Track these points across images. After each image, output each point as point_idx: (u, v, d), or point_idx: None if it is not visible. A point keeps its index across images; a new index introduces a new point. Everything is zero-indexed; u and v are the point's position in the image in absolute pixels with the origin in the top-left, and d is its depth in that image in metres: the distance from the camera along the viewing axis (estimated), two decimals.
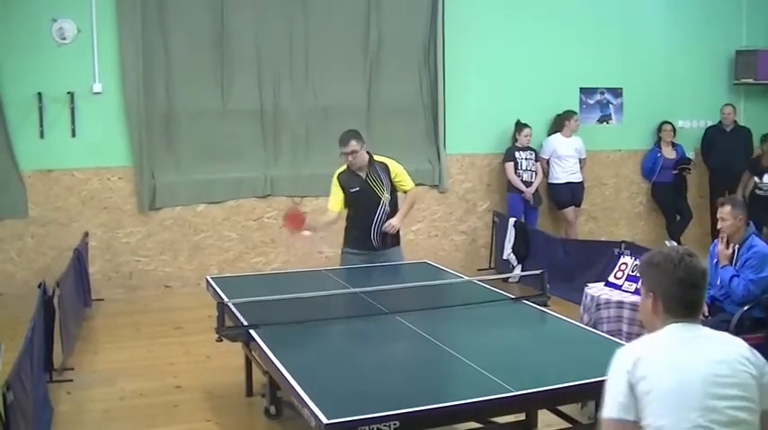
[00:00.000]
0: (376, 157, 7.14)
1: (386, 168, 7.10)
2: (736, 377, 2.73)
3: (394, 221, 6.99)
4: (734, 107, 11.74)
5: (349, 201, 7.06)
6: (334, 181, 7.10)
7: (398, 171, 7.17)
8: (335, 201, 7.09)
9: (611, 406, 2.73)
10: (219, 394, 6.32)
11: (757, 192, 10.70)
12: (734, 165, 10.97)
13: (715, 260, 6.38)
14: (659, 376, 2.69)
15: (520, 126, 10.58)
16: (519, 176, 10.48)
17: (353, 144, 6.93)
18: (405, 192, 7.23)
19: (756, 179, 10.76)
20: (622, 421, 2.70)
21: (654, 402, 2.67)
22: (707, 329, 2.95)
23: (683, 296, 2.87)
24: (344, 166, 7.10)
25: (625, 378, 2.73)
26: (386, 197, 7.01)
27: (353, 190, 7.00)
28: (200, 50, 9.67)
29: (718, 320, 6.04)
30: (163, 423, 5.77)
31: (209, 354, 6.98)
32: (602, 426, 2.77)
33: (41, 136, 9.12)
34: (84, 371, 6.85)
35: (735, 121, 11.74)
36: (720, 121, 11.76)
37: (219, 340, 5.26)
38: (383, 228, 6.97)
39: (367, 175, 7.01)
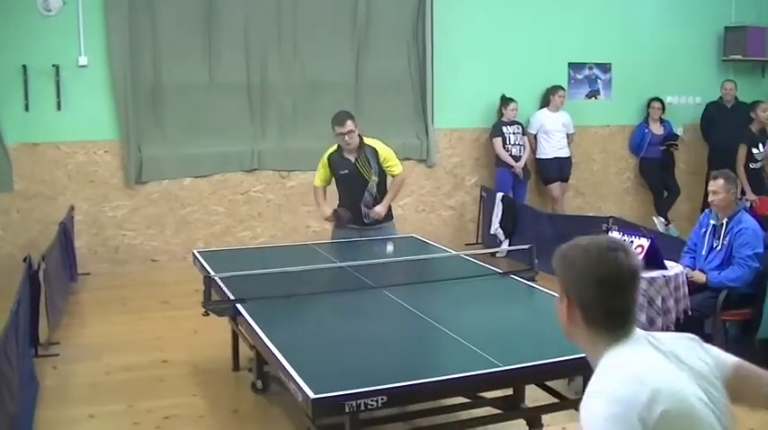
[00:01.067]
0: (366, 140, 7.11)
1: (375, 152, 7.07)
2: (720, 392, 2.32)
3: (378, 209, 7.03)
4: (735, 83, 11.69)
5: (337, 181, 7.14)
6: (324, 161, 7.13)
7: (387, 155, 7.14)
8: (322, 178, 7.20)
9: None
10: (206, 368, 6.31)
11: (751, 165, 10.63)
12: (734, 142, 10.92)
13: (703, 229, 6.39)
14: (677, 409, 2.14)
15: (506, 100, 10.54)
16: (507, 151, 10.46)
17: (350, 124, 6.90)
18: (393, 176, 7.23)
19: (755, 150, 10.66)
20: None
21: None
22: (658, 342, 2.32)
23: (604, 301, 2.24)
24: (335, 147, 7.10)
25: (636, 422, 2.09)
26: (374, 180, 7.03)
27: (342, 172, 7.04)
28: (188, 24, 9.59)
29: (705, 297, 6.07)
30: (149, 397, 5.76)
31: (195, 329, 6.96)
32: None
33: (26, 109, 9.04)
34: (70, 346, 6.83)
35: (735, 98, 11.69)
36: (721, 97, 11.71)
37: (206, 314, 5.25)
38: (370, 215, 7.03)
39: (356, 159, 7.00)
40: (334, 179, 7.17)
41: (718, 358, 2.46)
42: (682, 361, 2.29)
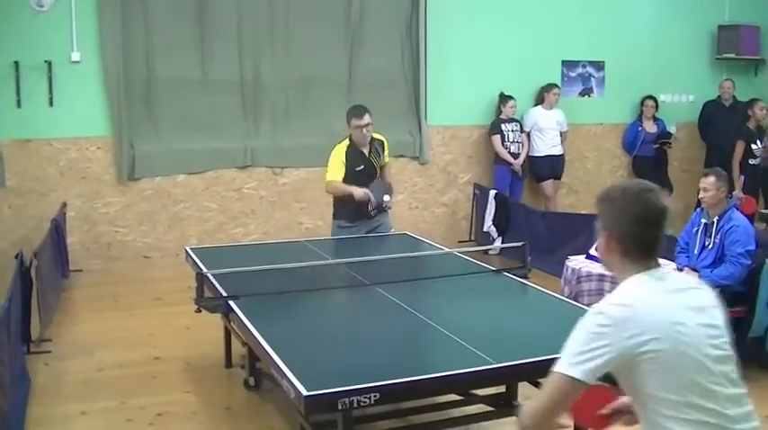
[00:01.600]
0: (374, 134, 7.16)
1: (382, 144, 7.19)
2: (723, 329, 2.61)
3: (387, 198, 7.06)
4: (733, 82, 11.72)
5: (350, 177, 7.00)
6: (340, 156, 7.01)
7: (387, 146, 7.28)
8: (337, 173, 7.01)
9: (580, 365, 2.47)
10: (198, 365, 6.30)
11: (750, 161, 10.64)
12: (733, 141, 10.93)
13: (695, 228, 6.39)
14: (658, 337, 2.43)
15: (504, 98, 10.54)
16: (506, 148, 10.46)
17: (368, 117, 6.95)
18: (384, 165, 7.29)
19: (753, 146, 10.66)
20: (581, 384, 2.49)
21: (657, 368, 2.43)
22: (675, 274, 2.82)
23: (639, 235, 2.61)
24: (347, 142, 7.08)
25: (611, 339, 2.44)
26: (378, 172, 7.12)
27: (358, 168, 7.01)
28: (181, 20, 9.56)
29: None
30: (142, 394, 5.75)
31: (188, 325, 6.95)
32: (552, 379, 2.52)
33: (18, 105, 9.00)
34: (63, 343, 6.81)
35: (733, 96, 11.71)
36: (719, 96, 11.74)
37: (199, 311, 5.24)
38: (383, 206, 7.03)
39: (369, 153, 7.07)
40: (346, 176, 7.02)
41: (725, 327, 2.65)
42: (695, 305, 2.59)
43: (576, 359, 2.49)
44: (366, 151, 7.05)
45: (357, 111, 7.01)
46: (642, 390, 2.51)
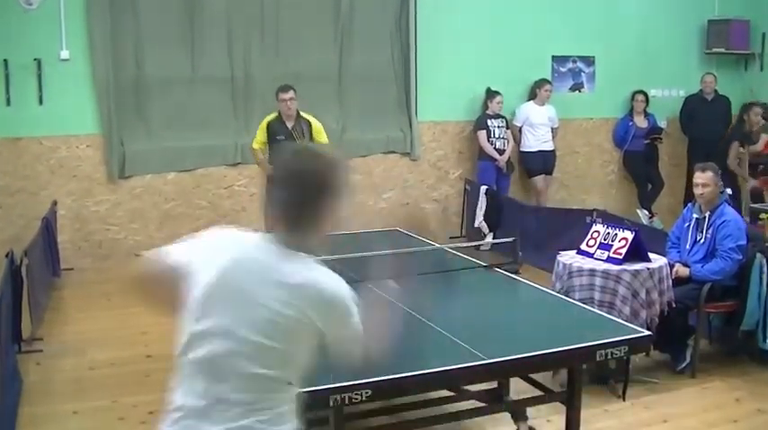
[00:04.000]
0: (302, 113, 8.46)
1: (309, 124, 8.41)
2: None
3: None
4: (715, 76, 11.77)
5: (272, 146, 8.28)
6: (264, 126, 8.45)
7: (319, 129, 8.50)
8: (260, 141, 8.48)
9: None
10: None
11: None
12: (714, 134, 10.96)
13: (687, 223, 6.40)
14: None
15: (491, 93, 10.55)
16: (492, 144, 10.45)
17: (292, 93, 8.38)
18: None
19: (741, 149, 10.69)
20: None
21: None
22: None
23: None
24: (275, 115, 8.44)
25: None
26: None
27: (279, 137, 8.25)
28: (170, 17, 9.54)
29: (689, 289, 6.08)
30: (134, 392, 5.73)
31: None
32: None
33: (8, 103, 8.97)
34: (54, 342, 6.79)
35: (715, 90, 11.76)
36: (701, 90, 11.78)
37: None
38: None
39: (293, 127, 8.34)
40: (268, 144, 8.38)
41: None
42: None
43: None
44: (290, 125, 8.35)
45: (284, 86, 8.46)
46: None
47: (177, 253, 2.57)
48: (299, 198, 2.46)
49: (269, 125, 8.44)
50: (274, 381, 2.44)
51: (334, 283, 2.51)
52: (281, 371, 2.44)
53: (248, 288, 2.41)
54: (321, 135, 8.52)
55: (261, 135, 8.51)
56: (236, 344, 2.40)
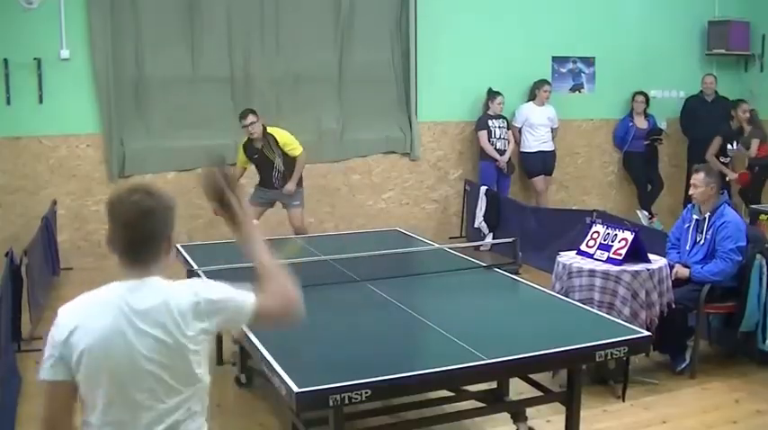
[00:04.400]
0: (268, 129, 8.76)
1: (275, 139, 8.73)
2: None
3: (288, 187, 8.80)
4: (715, 77, 11.78)
5: (252, 163, 8.86)
6: (240, 147, 8.85)
7: (286, 140, 8.79)
8: (241, 161, 8.85)
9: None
10: None
11: (720, 159, 10.65)
12: (714, 136, 10.97)
13: (686, 224, 6.40)
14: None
15: (492, 94, 10.54)
16: (492, 145, 10.46)
17: (251, 118, 8.65)
18: (294, 157, 8.79)
19: (728, 146, 10.68)
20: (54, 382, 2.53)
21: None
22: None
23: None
24: (246, 137, 8.76)
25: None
26: (278, 161, 8.76)
27: (254, 157, 8.80)
28: (171, 16, 9.54)
29: (689, 290, 6.08)
30: None
31: None
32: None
33: (8, 102, 8.97)
34: None
35: (716, 92, 11.76)
36: (701, 91, 11.79)
37: None
38: (283, 191, 8.82)
39: (262, 146, 8.73)
40: (249, 161, 8.87)
41: None
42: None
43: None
44: (259, 145, 8.74)
45: (241, 114, 8.76)
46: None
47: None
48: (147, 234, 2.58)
49: (244, 147, 8.82)
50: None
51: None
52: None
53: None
54: (289, 145, 8.79)
55: (240, 156, 8.86)
56: None
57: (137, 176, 9.50)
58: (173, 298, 2.49)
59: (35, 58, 9.01)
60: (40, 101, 9.09)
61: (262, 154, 8.74)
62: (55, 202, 9.03)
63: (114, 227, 2.60)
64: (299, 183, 8.97)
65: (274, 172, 8.81)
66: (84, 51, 9.21)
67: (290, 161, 8.80)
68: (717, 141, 10.67)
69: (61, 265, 8.88)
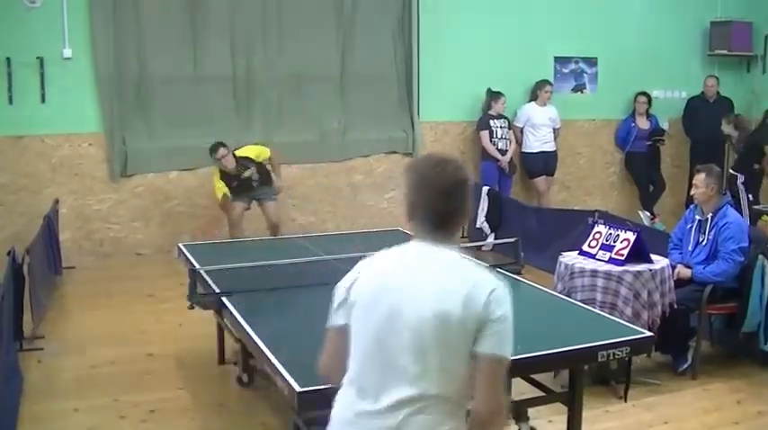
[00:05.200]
0: (237, 154, 8.89)
1: (248, 159, 8.93)
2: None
3: (278, 184, 9.21)
4: (717, 79, 11.77)
5: (232, 190, 8.91)
6: (215, 178, 8.91)
7: (256, 153, 9.01)
8: (222, 189, 8.88)
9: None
10: (191, 362, 6.29)
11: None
12: (716, 136, 10.93)
13: (689, 225, 6.40)
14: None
15: (495, 94, 10.54)
16: (494, 145, 10.45)
17: (222, 151, 8.75)
18: (267, 159, 9.07)
19: None
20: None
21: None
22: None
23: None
24: (220, 170, 8.86)
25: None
26: (252, 171, 8.95)
27: (234, 184, 8.89)
28: (173, 16, 9.55)
29: (691, 290, 6.07)
30: (134, 391, 5.73)
31: (180, 322, 6.95)
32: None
33: (10, 101, 8.98)
34: (55, 340, 6.78)
35: (717, 93, 11.75)
36: (703, 92, 11.79)
37: (191, 308, 5.22)
38: (273, 196, 9.19)
39: (237, 170, 8.85)
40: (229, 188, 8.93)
41: None
42: None
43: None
44: (235, 171, 8.86)
45: (212, 148, 8.80)
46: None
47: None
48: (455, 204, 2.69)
49: (223, 178, 8.90)
50: None
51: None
52: None
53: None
54: (260, 155, 9.05)
55: (221, 187, 8.91)
56: None
57: (139, 176, 9.52)
58: (475, 285, 2.69)
59: (38, 57, 9.02)
60: (43, 100, 9.10)
61: (239, 179, 8.92)
62: (57, 201, 9.03)
63: (425, 193, 2.64)
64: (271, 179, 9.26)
65: (252, 182, 9.03)
66: (86, 50, 9.22)
67: (261, 166, 9.05)
68: None
69: (63, 264, 8.88)
